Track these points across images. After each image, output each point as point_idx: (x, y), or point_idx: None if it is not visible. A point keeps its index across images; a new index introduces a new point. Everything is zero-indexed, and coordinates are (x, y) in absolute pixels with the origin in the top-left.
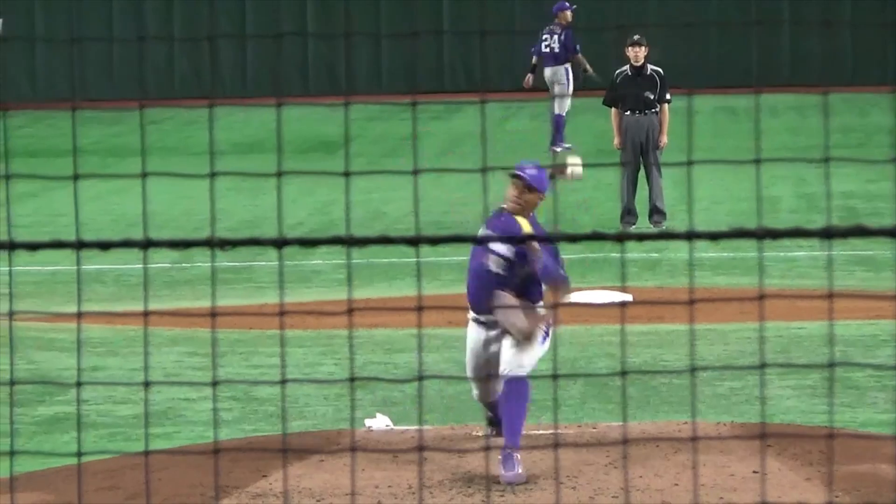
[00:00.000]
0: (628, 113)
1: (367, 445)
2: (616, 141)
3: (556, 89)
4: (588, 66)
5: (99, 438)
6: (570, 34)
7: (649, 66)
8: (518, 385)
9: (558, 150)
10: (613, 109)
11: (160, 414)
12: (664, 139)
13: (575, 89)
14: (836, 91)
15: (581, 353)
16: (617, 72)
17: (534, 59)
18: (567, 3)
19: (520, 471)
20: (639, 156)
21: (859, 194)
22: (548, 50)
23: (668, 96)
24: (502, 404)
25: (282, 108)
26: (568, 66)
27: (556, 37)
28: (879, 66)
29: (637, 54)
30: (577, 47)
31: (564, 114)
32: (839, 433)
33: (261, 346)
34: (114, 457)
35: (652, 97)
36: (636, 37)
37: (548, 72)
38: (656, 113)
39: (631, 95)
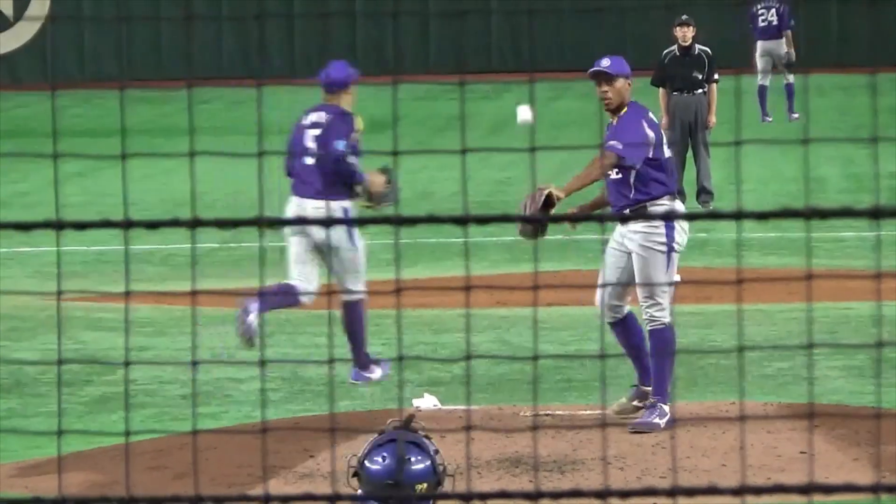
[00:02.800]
0: (676, 93)
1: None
2: (664, 121)
3: (780, 62)
4: (792, 49)
5: (146, 418)
6: (787, 8)
7: (697, 46)
8: (660, 338)
9: (769, 119)
10: (661, 89)
11: (207, 394)
12: (712, 119)
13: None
14: (884, 71)
15: None
16: (665, 52)
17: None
18: None
19: (656, 420)
20: (687, 136)
21: None
22: (765, 24)
23: (715, 76)
24: (651, 358)
25: None
26: (782, 40)
27: (773, 10)
28: None
29: (685, 34)
30: (792, 23)
31: (767, 84)
32: (887, 413)
33: (308, 326)
34: (161, 436)
35: (700, 77)
36: (684, 17)
37: (767, 45)
38: (704, 93)
39: (679, 75)
